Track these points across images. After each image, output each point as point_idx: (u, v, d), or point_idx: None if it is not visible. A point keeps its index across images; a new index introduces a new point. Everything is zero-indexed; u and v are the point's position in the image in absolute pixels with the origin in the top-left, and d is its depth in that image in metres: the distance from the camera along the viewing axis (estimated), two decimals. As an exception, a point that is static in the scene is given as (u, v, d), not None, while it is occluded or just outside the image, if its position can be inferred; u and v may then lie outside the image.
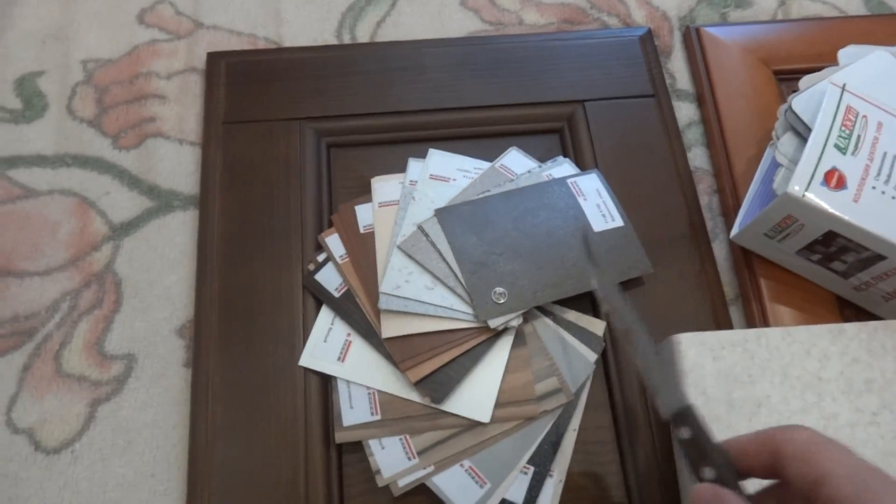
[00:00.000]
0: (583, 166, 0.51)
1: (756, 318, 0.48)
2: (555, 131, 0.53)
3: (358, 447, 0.43)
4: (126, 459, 0.44)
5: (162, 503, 0.42)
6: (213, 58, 0.55)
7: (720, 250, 0.51)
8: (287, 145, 0.51)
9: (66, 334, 0.47)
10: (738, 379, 0.41)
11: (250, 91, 0.53)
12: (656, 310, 0.47)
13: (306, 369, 0.44)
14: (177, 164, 0.52)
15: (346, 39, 0.57)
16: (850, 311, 0.48)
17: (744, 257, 0.49)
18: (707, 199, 0.52)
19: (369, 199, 0.49)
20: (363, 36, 0.58)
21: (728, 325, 0.47)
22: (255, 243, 0.48)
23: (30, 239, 0.49)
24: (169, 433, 0.44)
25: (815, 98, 0.46)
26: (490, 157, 0.51)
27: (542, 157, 0.52)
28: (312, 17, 0.58)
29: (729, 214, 0.51)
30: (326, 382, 0.44)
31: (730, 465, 0.30)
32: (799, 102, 0.46)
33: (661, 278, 0.48)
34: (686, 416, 0.32)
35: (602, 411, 0.45)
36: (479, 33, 0.58)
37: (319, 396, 0.44)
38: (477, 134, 0.53)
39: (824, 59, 0.55)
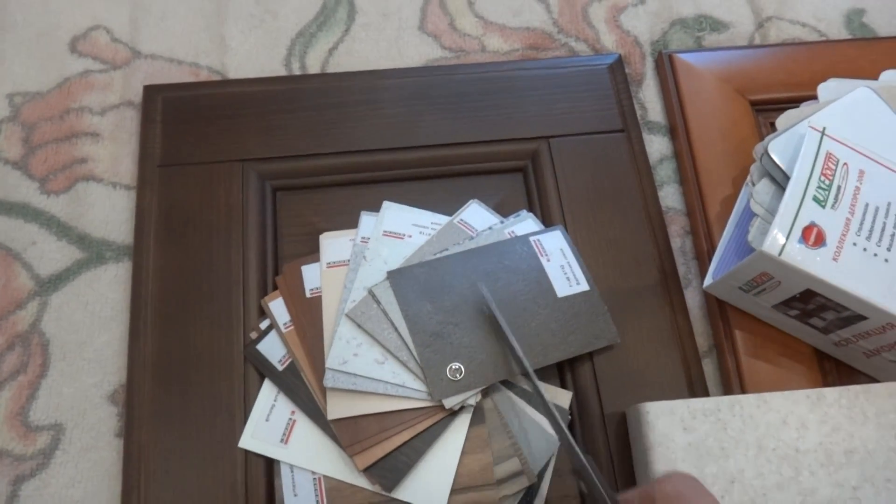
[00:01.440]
0: (548, 207, 0.48)
1: (731, 371, 0.45)
2: (518, 170, 0.50)
3: (303, 532, 0.39)
4: (51, 544, 0.40)
5: None
6: (150, 92, 0.51)
7: (693, 297, 0.48)
8: (228, 190, 0.47)
9: (-14, 404, 0.43)
10: (710, 452, 0.38)
11: (189, 129, 0.49)
12: (625, 366, 0.44)
13: (248, 447, 0.41)
14: (110, 210, 0.48)
15: (296, 68, 0.53)
16: (830, 363, 0.45)
17: (718, 306, 0.46)
18: (680, 241, 0.49)
19: (316, 258, 0.45)
20: (314, 65, 0.54)
21: (702, 381, 0.44)
22: (192, 302, 0.44)
23: (-52, 296, 0.45)
24: (99, 513, 0.41)
25: (793, 142, 0.43)
26: (449, 200, 0.48)
27: (505, 199, 0.49)
28: (259, 44, 0.54)
29: (703, 258, 0.48)
30: (270, 462, 0.41)
31: None
32: (776, 146, 0.43)
33: (630, 331, 0.45)
34: (581, 471, 0.34)
35: (570, 502, 0.41)
36: (439, 61, 0.54)
37: (263, 477, 0.40)
38: (435, 174, 0.49)
39: (804, 88, 0.52)
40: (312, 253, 0.46)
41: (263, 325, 0.44)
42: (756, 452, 0.38)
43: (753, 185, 0.44)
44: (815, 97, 0.50)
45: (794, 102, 0.50)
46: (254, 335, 0.43)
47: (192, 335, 0.43)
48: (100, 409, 0.43)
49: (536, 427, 0.41)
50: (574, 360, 0.44)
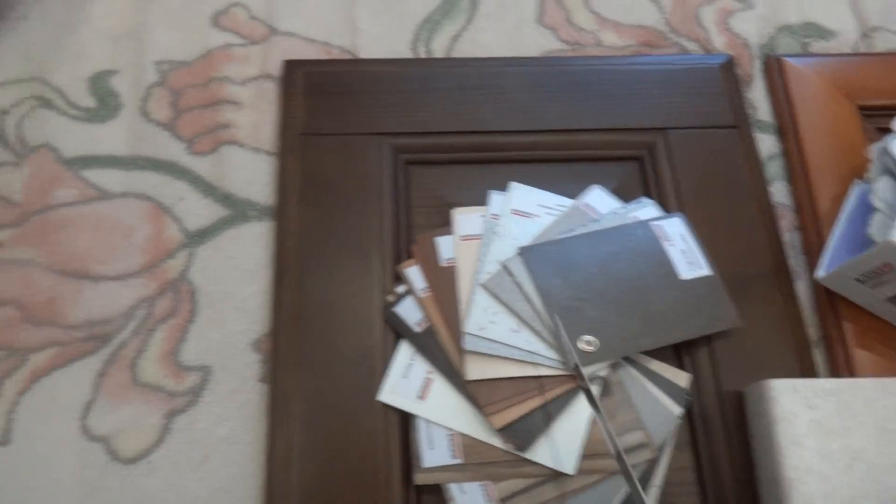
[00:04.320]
0: (664, 195, 0.50)
1: (840, 362, 0.47)
2: (635, 158, 0.52)
3: (436, 489, 0.42)
4: (201, 474, 0.43)
5: (237, 522, 0.42)
6: (291, 66, 0.54)
7: (802, 290, 0.50)
8: (365, 160, 0.50)
9: (142, 342, 0.46)
10: (833, 430, 0.40)
11: (328, 102, 0.52)
12: (739, 350, 0.46)
13: (386, 398, 0.44)
14: (252, 173, 0.51)
15: (422, 52, 0.57)
16: (935, 359, 0.47)
17: (827, 298, 0.48)
18: (788, 235, 0.51)
19: (448, 230, 0.48)
20: (438, 50, 0.57)
21: (812, 370, 0.46)
22: (333, 260, 0.47)
23: (105, 242, 0.49)
24: (245, 449, 0.44)
25: (915, 142, 0.45)
26: (568, 183, 0.51)
27: (621, 186, 0.51)
28: (388, 28, 0.57)
29: (811, 253, 0.50)
30: (406, 414, 0.44)
31: None
32: (898, 146, 0.45)
33: (744, 318, 0.47)
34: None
35: (686, 473, 0.44)
36: (556, 53, 0.57)
37: (398, 429, 0.43)
38: (556, 158, 0.52)
39: (911, 96, 0.54)
40: (441, 224, 0.49)
41: (400, 289, 0.46)
42: (878, 433, 0.40)
43: (872, 182, 0.46)
44: (922, 106, 0.52)
45: (901, 109, 0.52)
46: (391, 298, 0.46)
47: (332, 291, 0.46)
48: (244, 355, 0.46)
49: (658, 404, 0.44)
50: (691, 343, 0.46)
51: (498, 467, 0.41)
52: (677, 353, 0.47)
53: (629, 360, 0.45)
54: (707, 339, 0.46)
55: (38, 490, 0.43)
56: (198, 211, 0.50)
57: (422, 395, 0.43)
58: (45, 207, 0.50)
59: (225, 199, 0.50)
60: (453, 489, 0.41)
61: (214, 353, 0.46)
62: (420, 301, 0.46)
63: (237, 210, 0.50)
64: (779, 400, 0.41)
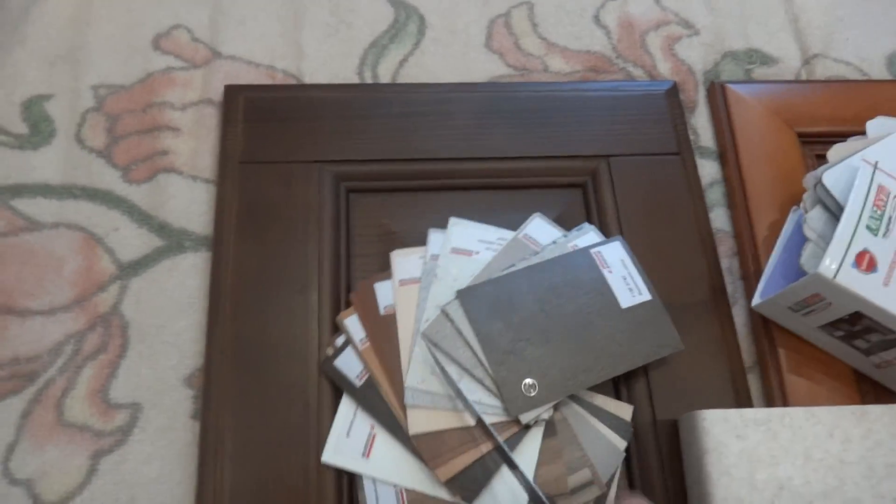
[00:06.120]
0: (605, 224, 0.50)
1: (773, 388, 0.47)
2: (578, 185, 0.52)
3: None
4: (129, 516, 0.42)
5: (165, 565, 0.41)
6: (231, 91, 0.53)
7: (739, 315, 0.50)
8: (306, 189, 0.50)
9: (69, 380, 0.45)
10: (760, 459, 0.40)
11: (268, 129, 0.52)
12: (676, 378, 0.46)
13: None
14: (189, 201, 0.50)
15: (368, 77, 0.56)
16: (868, 385, 0.48)
17: (763, 325, 0.49)
18: (727, 262, 0.52)
19: (388, 275, 0.47)
20: (385, 74, 0.56)
21: (747, 395, 0.47)
22: (270, 293, 0.46)
23: (33, 275, 0.48)
24: (174, 490, 0.43)
25: (846, 173, 0.45)
26: (512, 210, 0.50)
27: (564, 213, 0.51)
28: (334, 52, 0.57)
29: (749, 279, 0.51)
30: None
31: None
32: (830, 177, 0.45)
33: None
34: None
35: None
36: (503, 78, 0.57)
37: (333, 471, 0.42)
38: (500, 185, 0.52)
39: (848, 123, 0.55)
40: (383, 252, 0.48)
41: (339, 341, 0.45)
42: (804, 462, 0.40)
43: (806, 212, 0.46)
44: (857, 132, 0.52)
45: (839, 136, 0.53)
46: (330, 351, 0.45)
47: (269, 326, 0.46)
48: (176, 391, 0.45)
49: (603, 439, 0.43)
50: (628, 374, 0.46)
51: (447, 520, 0.41)
52: (615, 384, 0.47)
53: (573, 396, 0.44)
54: (644, 368, 0.46)
55: (-39, 533, 0.41)
56: (132, 241, 0.49)
57: (366, 453, 0.42)
58: (-26, 237, 0.49)
59: (161, 228, 0.49)
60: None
61: (145, 390, 0.45)
62: (360, 353, 0.45)
63: (173, 240, 0.49)
64: (709, 431, 0.41)
